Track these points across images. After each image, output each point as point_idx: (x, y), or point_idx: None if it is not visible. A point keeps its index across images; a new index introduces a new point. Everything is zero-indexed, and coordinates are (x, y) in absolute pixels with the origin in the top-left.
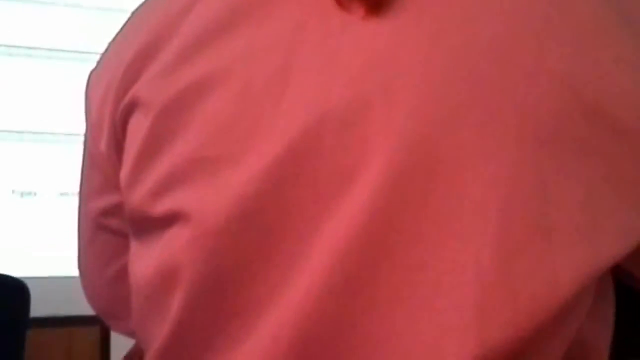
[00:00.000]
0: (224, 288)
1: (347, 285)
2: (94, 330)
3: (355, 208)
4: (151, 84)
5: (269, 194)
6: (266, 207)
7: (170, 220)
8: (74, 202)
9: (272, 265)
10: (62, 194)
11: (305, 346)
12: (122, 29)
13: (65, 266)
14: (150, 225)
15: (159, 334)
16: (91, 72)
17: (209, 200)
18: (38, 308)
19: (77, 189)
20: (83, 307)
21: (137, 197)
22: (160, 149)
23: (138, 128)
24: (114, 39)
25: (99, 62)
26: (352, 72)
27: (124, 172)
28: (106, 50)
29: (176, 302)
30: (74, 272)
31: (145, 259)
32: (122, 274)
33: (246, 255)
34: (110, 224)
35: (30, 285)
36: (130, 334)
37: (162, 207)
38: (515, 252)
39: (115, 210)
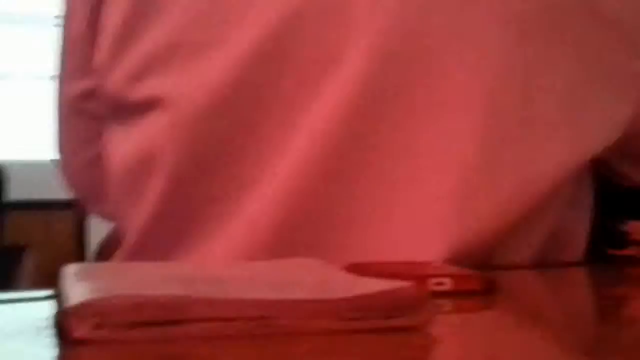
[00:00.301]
0: (203, 173)
1: (327, 168)
2: (71, 214)
3: (340, 91)
4: None
5: (250, 79)
6: (246, 92)
7: (147, 105)
8: (51, 85)
9: (251, 149)
10: (38, 77)
11: (285, 227)
12: None
13: (44, 150)
14: (127, 110)
15: (137, 218)
16: None
17: (188, 85)
18: (17, 192)
19: (53, 72)
20: (62, 192)
21: (113, 81)
22: (137, 33)
23: (114, 12)
24: None
25: None
26: None
27: (100, 56)
28: None
29: (154, 187)
30: (53, 156)
31: (122, 143)
32: (98, 158)
33: (225, 140)
34: (86, 108)
35: (10, 170)
36: (107, 217)
37: (139, 92)
38: (499, 143)
39: (91, 94)
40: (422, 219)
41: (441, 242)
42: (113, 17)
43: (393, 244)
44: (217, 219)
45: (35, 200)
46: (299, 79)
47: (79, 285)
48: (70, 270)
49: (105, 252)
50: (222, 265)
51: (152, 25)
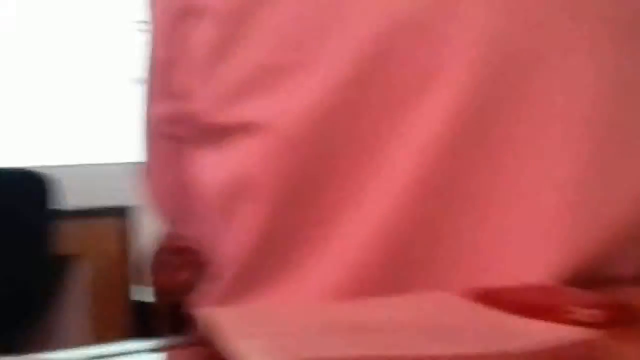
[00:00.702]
0: (302, 198)
1: (429, 187)
2: (116, 221)
3: (438, 109)
4: None
5: (347, 101)
6: (344, 112)
7: (240, 129)
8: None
9: (353, 171)
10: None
11: (390, 248)
12: None
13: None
14: (217, 134)
15: (233, 245)
16: None
17: (283, 109)
18: (62, 198)
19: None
20: (106, 198)
21: (204, 104)
22: (228, 55)
23: (203, 33)
24: None
25: None
26: None
27: (189, 79)
28: None
29: (251, 214)
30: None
31: (214, 168)
32: (180, 181)
33: (323, 163)
34: (171, 131)
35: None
36: (195, 238)
37: (230, 116)
38: (604, 157)
39: (173, 117)
40: (531, 236)
41: (550, 259)
42: (200, 39)
43: (501, 263)
44: (319, 243)
45: (83, 208)
46: (397, 97)
47: (249, 342)
48: (220, 319)
49: (158, 262)
50: (368, 305)
51: (242, 47)
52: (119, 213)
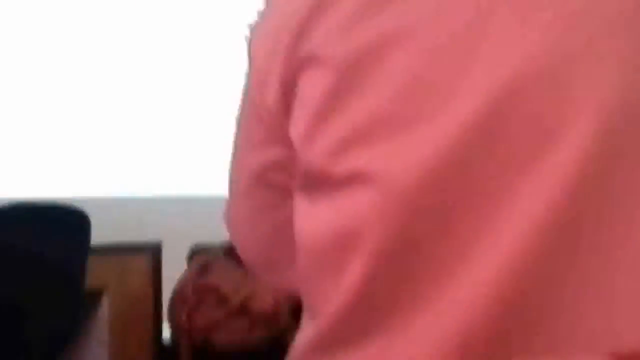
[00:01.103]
0: (410, 252)
1: (540, 249)
2: (146, 258)
3: (556, 171)
4: (329, 39)
5: (461, 155)
6: (457, 168)
7: (351, 180)
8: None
9: (461, 228)
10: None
11: (498, 309)
12: None
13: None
14: (326, 183)
15: (334, 296)
16: (254, 24)
17: (397, 161)
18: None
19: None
20: (135, 234)
21: (313, 154)
22: (341, 105)
23: (315, 83)
24: None
25: (261, 14)
26: (553, 25)
27: (299, 128)
28: (268, 2)
29: (357, 266)
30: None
31: (317, 218)
32: (277, 229)
33: (434, 217)
34: (269, 178)
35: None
36: (285, 288)
37: (342, 166)
38: None
39: (276, 164)
40: None
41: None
42: (312, 90)
43: (610, 327)
44: (426, 300)
45: (112, 243)
46: (513, 156)
47: None
48: None
49: (177, 301)
50: None
51: (356, 98)
52: (148, 249)
